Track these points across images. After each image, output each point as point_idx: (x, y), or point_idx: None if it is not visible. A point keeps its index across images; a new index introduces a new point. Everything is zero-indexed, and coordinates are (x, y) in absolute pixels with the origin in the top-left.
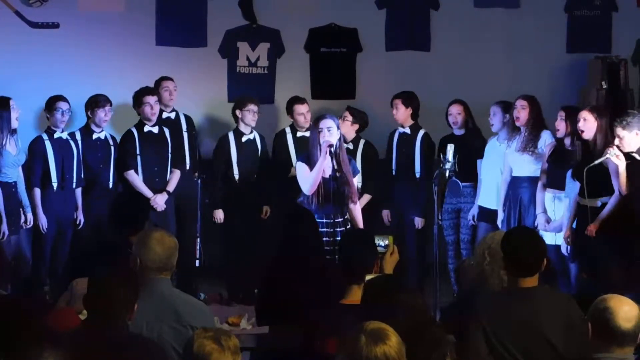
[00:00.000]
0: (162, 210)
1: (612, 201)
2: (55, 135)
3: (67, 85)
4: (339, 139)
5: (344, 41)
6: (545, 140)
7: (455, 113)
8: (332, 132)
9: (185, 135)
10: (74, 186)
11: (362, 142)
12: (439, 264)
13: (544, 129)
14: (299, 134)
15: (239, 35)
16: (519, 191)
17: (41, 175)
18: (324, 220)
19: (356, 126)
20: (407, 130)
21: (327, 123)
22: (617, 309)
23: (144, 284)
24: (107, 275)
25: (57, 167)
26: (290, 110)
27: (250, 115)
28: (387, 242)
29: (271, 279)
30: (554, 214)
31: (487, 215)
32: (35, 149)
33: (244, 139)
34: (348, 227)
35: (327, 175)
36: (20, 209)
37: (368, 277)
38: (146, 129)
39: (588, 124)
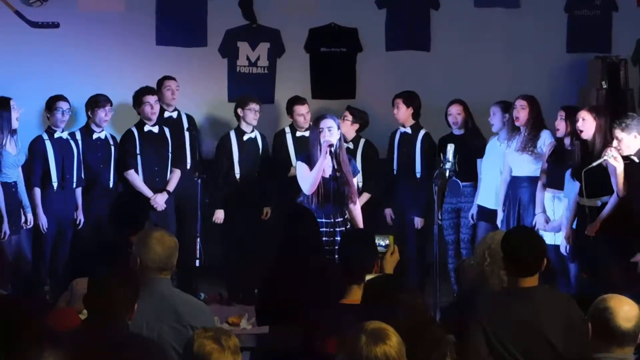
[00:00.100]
0: (162, 209)
1: (611, 201)
2: (56, 135)
3: (67, 85)
4: (339, 139)
5: (344, 41)
6: (545, 140)
7: (455, 113)
8: (333, 132)
9: (186, 134)
10: (74, 186)
11: (362, 141)
12: (439, 263)
13: (544, 128)
14: (298, 133)
15: (239, 35)
16: (519, 191)
17: (41, 175)
18: (324, 220)
19: (356, 126)
20: (408, 130)
21: (328, 123)
22: (617, 308)
23: (144, 283)
24: (107, 275)
25: (57, 167)
26: (290, 111)
27: (251, 114)
28: (387, 241)
29: (271, 278)
30: (553, 214)
31: (486, 214)
32: (36, 149)
33: (245, 137)
34: (348, 227)
35: (327, 175)
36: (21, 209)
37: (368, 277)
38: (146, 128)
39: (587, 124)
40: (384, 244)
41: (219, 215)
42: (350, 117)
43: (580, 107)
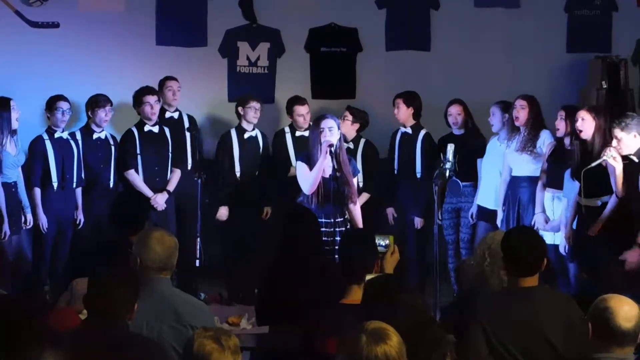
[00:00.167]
0: (162, 209)
1: (612, 201)
2: (56, 135)
3: (67, 85)
4: (339, 139)
5: (344, 41)
6: (544, 140)
7: (455, 113)
8: (333, 132)
9: (187, 135)
10: (74, 186)
11: (362, 141)
12: (439, 263)
13: (544, 128)
14: (298, 133)
15: (239, 35)
16: (518, 191)
17: (41, 175)
18: (324, 220)
19: (357, 125)
20: (409, 130)
21: (329, 123)
22: (617, 308)
23: (144, 283)
24: (107, 275)
25: (57, 166)
26: (290, 111)
27: (251, 112)
28: (387, 241)
29: (271, 278)
30: (553, 214)
31: (486, 214)
32: (36, 149)
33: (246, 135)
34: (348, 227)
35: (327, 175)
36: (21, 210)
37: (368, 277)
38: (146, 128)
39: (586, 124)
40: (384, 244)
41: (223, 212)
42: (350, 117)
43: (581, 107)
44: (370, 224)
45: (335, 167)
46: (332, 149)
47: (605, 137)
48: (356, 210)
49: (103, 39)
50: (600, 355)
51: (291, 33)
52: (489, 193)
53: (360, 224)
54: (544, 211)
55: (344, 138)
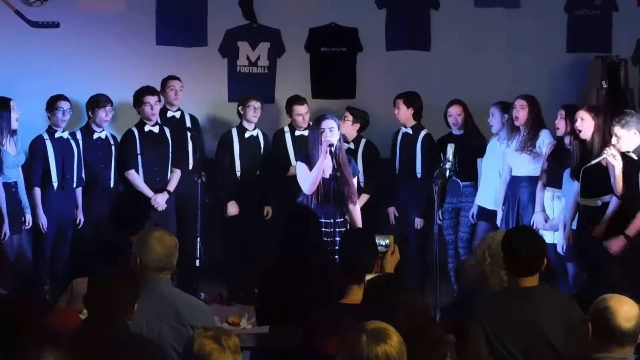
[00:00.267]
0: (162, 209)
1: (613, 202)
2: (56, 135)
3: (68, 85)
4: (339, 139)
5: (344, 41)
6: (544, 140)
7: (455, 114)
8: (333, 132)
9: (188, 134)
10: (74, 186)
11: (363, 141)
12: (439, 263)
13: (543, 128)
14: (297, 132)
15: (239, 34)
16: (518, 190)
17: (41, 174)
18: (324, 220)
19: (357, 126)
20: (409, 131)
21: (329, 123)
22: (617, 308)
23: (144, 283)
24: (107, 275)
25: (58, 166)
26: (289, 110)
27: (251, 111)
28: (387, 241)
29: (271, 278)
30: (553, 213)
31: (486, 214)
32: (36, 149)
33: (246, 135)
34: (348, 227)
35: (327, 175)
36: (21, 209)
37: (368, 277)
38: (147, 128)
39: (585, 124)
40: (384, 244)
41: (232, 208)
42: (351, 118)
43: (581, 107)
44: (371, 223)
45: (335, 167)
46: (332, 149)
47: (605, 137)
48: (356, 210)
49: (103, 39)
50: (600, 355)
51: (291, 33)
52: (489, 193)
53: (359, 224)
54: (543, 210)
55: (344, 138)
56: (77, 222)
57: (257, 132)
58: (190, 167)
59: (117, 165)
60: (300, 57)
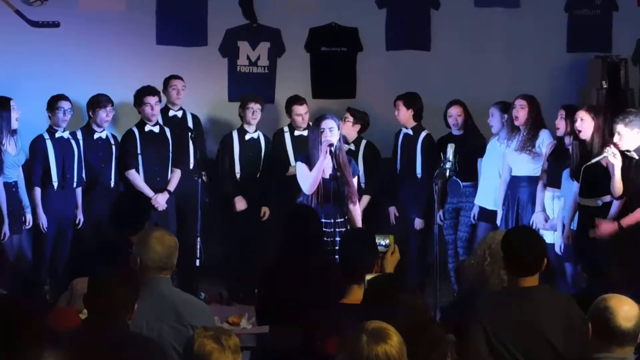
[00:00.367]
0: (163, 209)
1: (616, 203)
2: (57, 135)
3: (68, 85)
4: (339, 139)
5: (344, 41)
6: (544, 140)
7: (456, 115)
8: (333, 132)
9: (190, 134)
10: (74, 186)
11: (363, 142)
12: (439, 263)
13: (543, 128)
14: (296, 133)
15: (239, 34)
16: (518, 190)
17: (42, 174)
18: (324, 221)
19: (357, 127)
20: (410, 132)
21: (329, 123)
22: (617, 308)
23: (144, 283)
24: (107, 275)
25: (58, 166)
26: (289, 110)
27: (249, 113)
28: (387, 241)
29: (271, 278)
30: (553, 213)
31: (486, 214)
32: (36, 148)
33: (247, 137)
34: (348, 227)
35: (327, 175)
36: (21, 209)
37: (368, 277)
38: (147, 128)
39: (585, 124)
40: (384, 244)
41: (240, 204)
42: (351, 119)
43: (581, 107)
44: (371, 223)
45: (335, 167)
46: (332, 149)
47: (605, 137)
48: (356, 210)
49: (103, 38)
50: (600, 355)
51: (291, 33)
52: (488, 193)
53: (359, 224)
54: (544, 210)
55: (344, 139)
56: (77, 222)
57: (257, 134)
58: (191, 167)
59: (118, 165)
60: (301, 57)
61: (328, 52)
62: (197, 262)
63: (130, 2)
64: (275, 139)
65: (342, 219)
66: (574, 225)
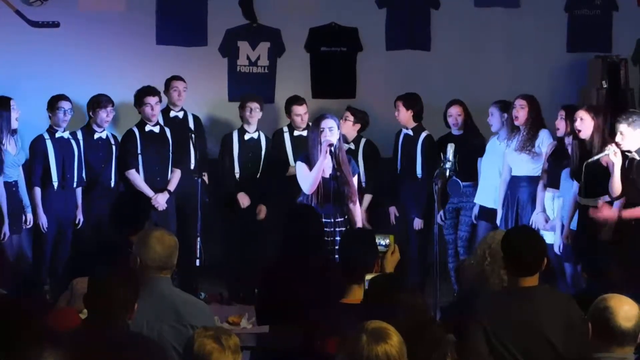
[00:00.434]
0: (163, 209)
1: (617, 203)
2: (57, 135)
3: (68, 85)
4: (339, 139)
5: (344, 40)
6: (543, 140)
7: (456, 114)
8: (333, 132)
9: (190, 134)
10: (74, 186)
11: (363, 141)
12: (439, 263)
13: (543, 128)
14: (296, 133)
15: (239, 34)
16: (517, 190)
17: (42, 174)
18: (324, 220)
19: (358, 126)
20: (410, 132)
21: (329, 123)
22: (617, 308)
23: (144, 283)
24: (107, 275)
25: (58, 166)
26: (288, 110)
27: (247, 112)
28: (388, 241)
29: (271, 278)
30: (553, 213)
31: (486, 214)
32: (36, 148)
33: (246, 137)
34: (348, 227)
35: (327, 175)
36: (21, 209)
37: (368, 277)
38: (147, 128)
39: (585, 124)
40: (384, 243)
41: (244, 200)
42: (352, 118)
43: (581, 107)
44: (372, 223)
45: (335, 166)
46: (332, 149)
47: (604, 137)
48: (356, 210)
49: (103, 38)
50: (600, 355)
51: (291, 33)
52: (488, 192)
53: (360, 224)
54: (544, 210)
55: (344, 139)
56: (77, 222)
57: (258, 134)
58: (191, 167)
59: (118, 165)
60: (301, 57)
61: (328, 52)
62: (197, 262)
63: (130, 2)
64: (274, 139)
65: (342, 219)
66: (574, 225)
